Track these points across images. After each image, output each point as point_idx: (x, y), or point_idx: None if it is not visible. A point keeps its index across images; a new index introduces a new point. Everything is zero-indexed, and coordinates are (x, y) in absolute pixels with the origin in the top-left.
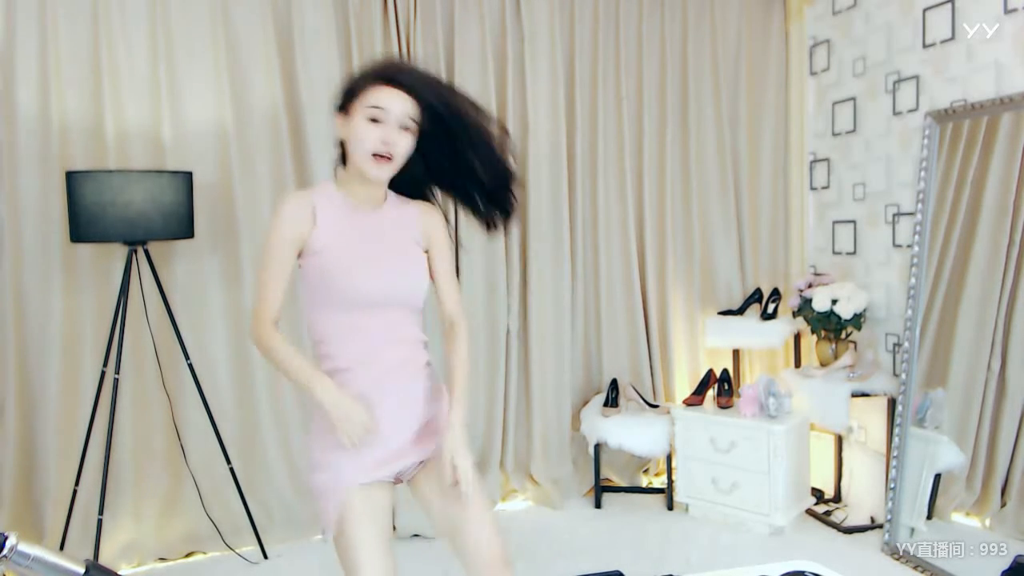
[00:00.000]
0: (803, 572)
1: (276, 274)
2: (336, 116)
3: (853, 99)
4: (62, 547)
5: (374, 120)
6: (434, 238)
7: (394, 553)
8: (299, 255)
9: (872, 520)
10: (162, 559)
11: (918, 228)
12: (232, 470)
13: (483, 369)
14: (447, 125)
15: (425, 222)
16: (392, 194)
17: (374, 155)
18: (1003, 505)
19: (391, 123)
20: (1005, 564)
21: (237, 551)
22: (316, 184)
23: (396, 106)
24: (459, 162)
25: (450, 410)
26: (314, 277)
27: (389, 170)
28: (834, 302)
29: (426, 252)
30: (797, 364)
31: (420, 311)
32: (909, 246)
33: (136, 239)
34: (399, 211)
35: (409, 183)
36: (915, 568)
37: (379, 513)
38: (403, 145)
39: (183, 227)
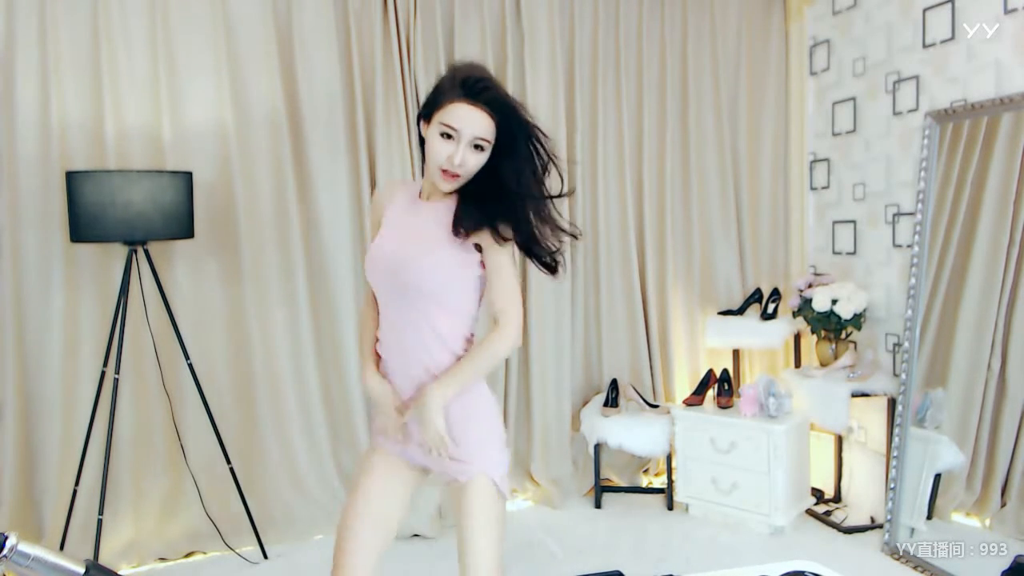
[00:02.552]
0: (803, 572)
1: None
2: (420, 122)
3: (853, 99)
4: (62, 547)
5: (446, 136)
6: (483, 234)
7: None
8: None
9: (872, 520)
10: (162, 559)
11: (918, 228)
12: (232, 470)
13: None
14: (514, 150)
15: None
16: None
17: (441, 169)
18: (1003, 505)
19: (463, 142)
20: (1005, 564)
21: (237, 551)
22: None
23: (469, 128)
24: (507, 186)
25: None
26: None
27: (455, 184)
28: (834, 302)
29: (478, 249)
30: (797, 364)
31: (453, 307)
32: (909, 246)
33: (136, 239)
34: (449, 205)
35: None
36: (915, 568)
37: (384, 477)
38: (472, 163)
39: (183, 227)
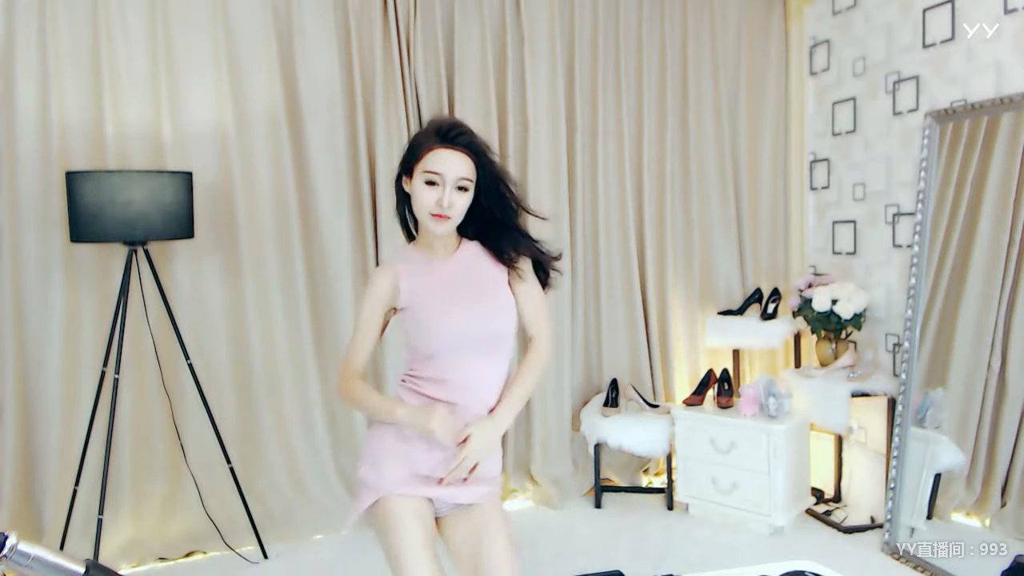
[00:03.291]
0: (803, 572)
1: (362, 338)
2: (404, 179)
3: (853, 99)
4: (62, 547)
5: (431, 183)
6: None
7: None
8: (395, 311)
9: (872, 520)
10: (162, 559)
11: (918, 228)
12: (232, 470)
13: None
14: (487, 189)
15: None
16: (464, 239)
17: (432, 215)
18: (1003, 505)
19: (448, 185)
20: (1005, 564)
21: (237, 551)
22: (396, 247)
23: (452, 171)
24: (492, 219)
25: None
26: (409, 328)
27: (448, 226)
28: (834, 302)
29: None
30: (797, 364)
31: (509, 349)
32: (909, 246)
33: (136, 239)
34: (472, 251)
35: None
36: (915, 568)
37: (422, 518)
38: (459, 204)
39: (183, 227)
